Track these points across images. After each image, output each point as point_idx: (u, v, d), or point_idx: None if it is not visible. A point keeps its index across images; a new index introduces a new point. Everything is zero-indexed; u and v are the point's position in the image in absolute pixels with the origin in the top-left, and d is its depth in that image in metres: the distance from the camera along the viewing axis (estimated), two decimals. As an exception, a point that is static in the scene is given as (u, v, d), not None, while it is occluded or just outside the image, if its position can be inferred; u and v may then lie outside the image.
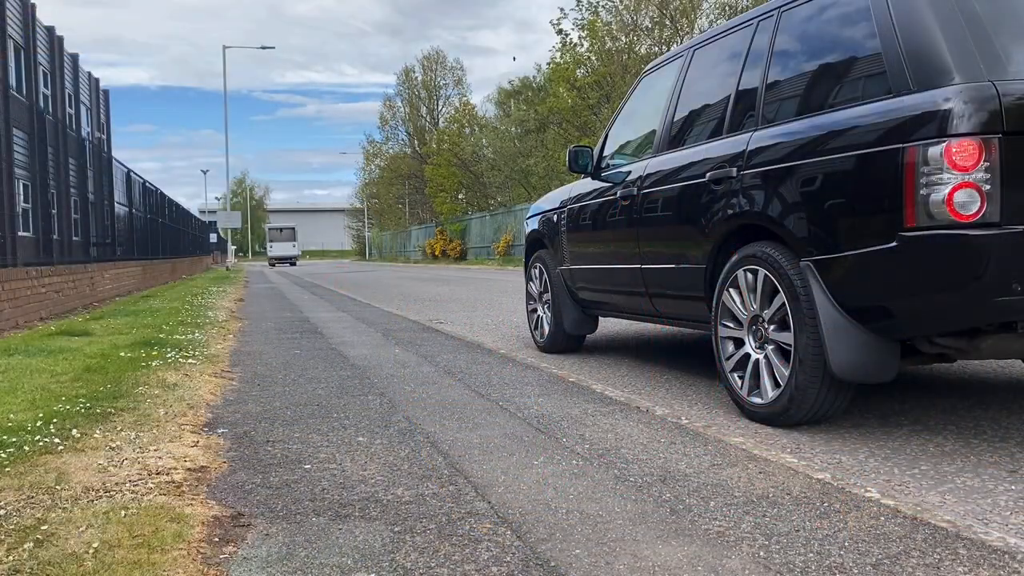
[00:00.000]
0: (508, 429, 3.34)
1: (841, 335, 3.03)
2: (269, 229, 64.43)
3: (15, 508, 2.34)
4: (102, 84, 31.08)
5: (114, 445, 3.04)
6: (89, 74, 28.93)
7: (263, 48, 58.22)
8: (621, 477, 2.64)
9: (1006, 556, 1.93)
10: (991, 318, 2.73)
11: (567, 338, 5.82)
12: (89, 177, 13.78)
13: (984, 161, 2.61)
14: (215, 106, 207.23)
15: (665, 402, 4.01)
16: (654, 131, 4.61)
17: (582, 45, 27.33)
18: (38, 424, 3.29)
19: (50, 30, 23.94)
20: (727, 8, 25.06)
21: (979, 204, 2.61)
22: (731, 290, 3.61)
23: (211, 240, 52.92)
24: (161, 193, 24.45)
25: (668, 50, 25.75)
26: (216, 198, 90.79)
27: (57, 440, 3.06)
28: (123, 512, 2.29)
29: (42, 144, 10.71)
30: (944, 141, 2.64)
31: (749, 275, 3.47)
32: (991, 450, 3.02)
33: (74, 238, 13.02)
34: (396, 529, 2.21)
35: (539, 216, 6.19)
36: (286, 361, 5.56)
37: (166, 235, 25.09)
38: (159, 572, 1.90)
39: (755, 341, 3.50)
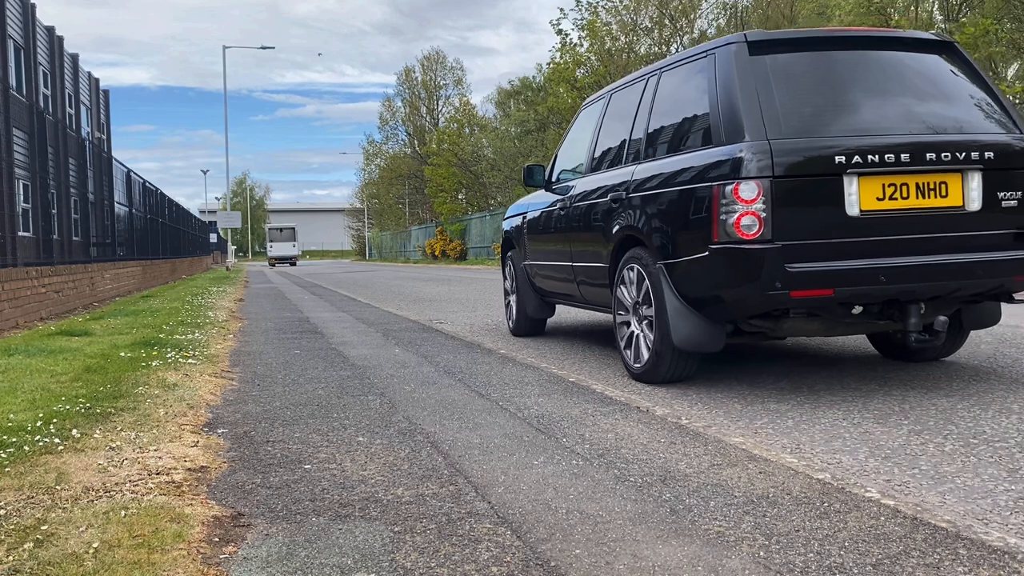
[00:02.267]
0: (508, 429, 3.34)
1: (681, 318, 4.08)
2: (269, 229, 64.41)
3: (15, 508, 2.34)
4: (102, 84, 31.09)
5: (114, 445, 3.04)
6: (89, 74, 28.93)
7: (263, 48, 58.17)
8: (621, 477, 2.64)
9: (1006, 556, 1.93)
10: (764, 307, 3.79)
11: (530, 322, 6.87)
12: (89, 177, 13.78)
13: (761, 196, 3.64)
14: (215, 106, 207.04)
15: (665, 402, 4.01)
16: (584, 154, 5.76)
17: (582, 45, 27.32)
18: (38, 424, 3.29)
19: (50, 30, 23.94)
20: (727, 8, 25.05)
21: (758, 226, 3.65)
22: (621, 287, 4.68)
23: (211, 240, 52.91)
24: (161, 193, 24.45)
25: (667, 50, 25.76)
26: (216, 198, 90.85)
27: (57, 440, 3.06)
28: (123, 512, 2.29)
29: (42, 144, 10.71)
30: (735, 181, 3.67)
31: (631, 272, 4.54)
32: (991, 450, 3.01)
33: (74, 238, 13.02)
34: (396, 529, 2.21)
35: (510, 220, 7.20)
36: (286, 361, 5.56)
37: (166, 235, 25.09)
38: (159, 572, 1.90)
39: (637, 322, 4.54)
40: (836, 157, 3.71)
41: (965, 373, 4.50)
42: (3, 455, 2.84)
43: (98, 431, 3.25)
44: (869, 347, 5.41)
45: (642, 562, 1.95)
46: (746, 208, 3.65)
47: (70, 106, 25.63)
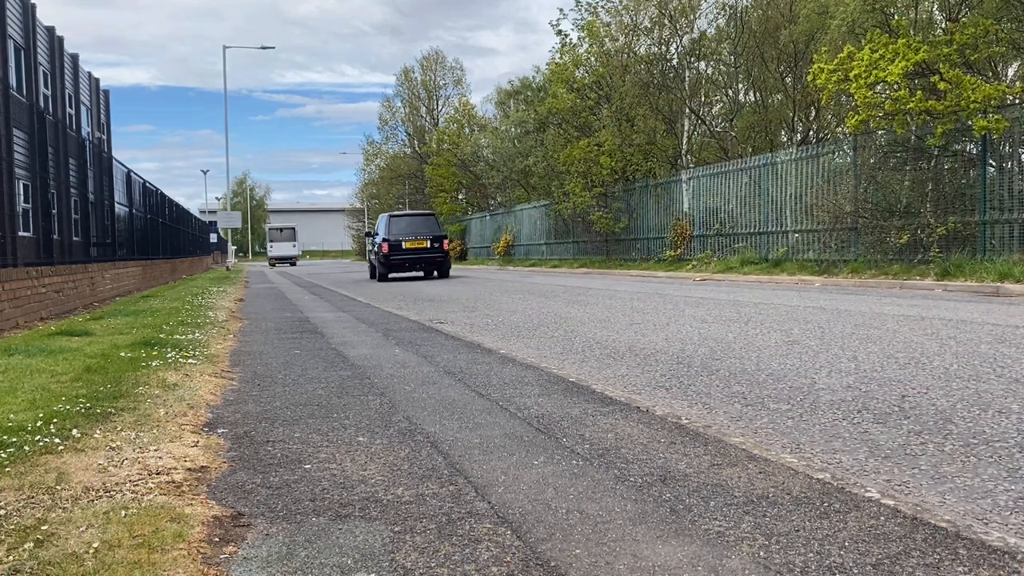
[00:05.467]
0: (508, 429, 3.34)
1: (380, 268, 21.57)
2: (269, 229, 64.39)
3: (15, 508, 2.34)
4: (102, 84, 31.08)
5: (114, 445, 3.04)
6: (89, 74, 28.93)
7: (263, 48, 58.20)
8: (621, 477, 2.64)
9: (1006, 556, 1.93)
10: (390, 267, 21.39)
11: (374, 275, 22.58)
12: (89, 177, 13.77)
13: (387, 245, 21.19)
14: (215, 106, 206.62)
15: (665, 402, 4.01)
16: (378, 227, 23.18)
17: (581, 46, 27.28)
18: (38, 424, 3.29)
19: (50, 30, 23.94)
20: (727, 7, 25.01)
21: (386, 251, 21.08)
22: (379, 263, 21.71)
23: (211, 240, 52.90)
24: (161, 193, 24.46)
25: (667, 50, 25.74)
26: (216, 198, 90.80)
27: (57, 440, 3.06)
28: (123, 512, 2.29)
29: (42, 144, 10.71)
30: (384, 241, 21.28)
31: (377, 259, 22.05)
32: (991, 450, 3.01)
33: (74, 238, 13.02)
34: (396, 529, 2.21)
35: (368, 242, 27.19)
36: (286, 361, 5.56)
37: (166, 235, 25.09)
38: (159, 572, 1.90)
39: (376, 269, 22.22)
40: (398, 237, 21.28)
41: (965, 373, 4.50)
42: (3, 455, 2.84)
43: (98, 431, 3.25)
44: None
45: (642, 562, 1.95)
46: (385, 247, 21.08)
47: (70, 106, 25.62)
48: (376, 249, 21.86)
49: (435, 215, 24.34)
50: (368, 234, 25.51)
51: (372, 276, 22.97)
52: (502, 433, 3.27)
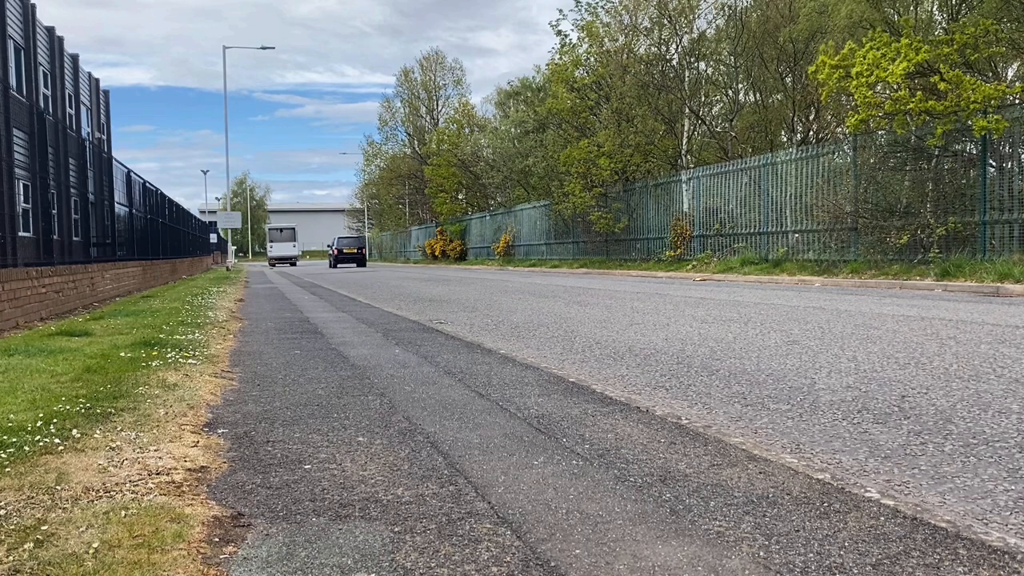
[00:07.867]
0: (508, 429, 3.34)
1: (333, 261, 47.23)
2: (269, 229, 64.41)
3: (15, 508, 2.34)
4: (102, 84, 31.08)
5: (114, 445, 3.04)
6: (89, 74, 28.93)
7: (263, 48, 58.24)
8: (621, 477, 2.64)
9: (1006, 556, 1.93)
10: (336, 260, 47.45)
11: (331, 266, 46.03)
12: (89, 177, 13.76)
13: (336, 250, 48.17)
14: (215, 106, 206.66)
15: (665, 402, 4.01)
16: (333, 241, 49.72)
17: (581, 46, 27.28)
18: (38, 424, 3.29)
19: (50, 30, 23.94)
20: (726, 8, 25.02)
21: (336, 252, 48.17)
22: (336, 260, 47.25)
23: (211, 240, 52.91)
24: (161, 193, 24.44)
25: (666, 50, 25.74)
26: (216, 198, 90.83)
27: (57, 440, 3.05)
28: (123, 512, 2.29)
29: (42, 144, 10.70)
30: (334, 248, 49.14)
31: (331, 258, 48.38)
32: (991, 450, 3.01)
33: (74, 238, 13.01)
34: (396, 529, 2.21)
35: (329, 247, 51.99)
36: (286, 361, 5.56)
37: (166, 235, 25.08)
38: (159, 572, 1.90)
39: (332, 261, 48.41)
40: (341, 247, 46.79)
41: (965, 373, 4.50)
42: (3, 455, 2.84)
43: (98, 431, 3.25)
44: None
45: (642, 562, 1.95)
46: (336, 251, 47.11)
47: (70, 106, 25.62)
48: (331, 252, 46.95)
49: (362, 236, 51.09)
50: (329, 245, 49.21)
51: (330, 266, 45.27)
52: (502, 433, 3.27)
